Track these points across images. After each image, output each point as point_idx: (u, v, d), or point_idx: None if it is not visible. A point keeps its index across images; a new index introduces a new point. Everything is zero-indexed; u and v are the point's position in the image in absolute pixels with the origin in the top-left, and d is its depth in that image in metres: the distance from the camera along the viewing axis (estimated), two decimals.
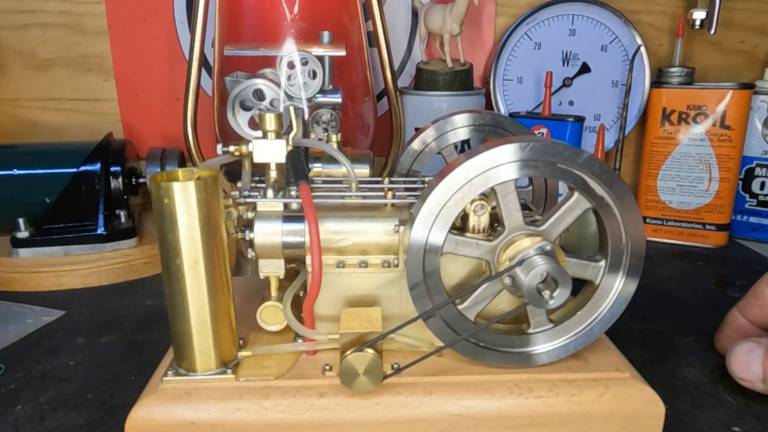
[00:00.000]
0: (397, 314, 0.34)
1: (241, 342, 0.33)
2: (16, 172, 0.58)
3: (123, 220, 0.59)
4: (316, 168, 0.45)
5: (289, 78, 0.50)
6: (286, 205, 0.34)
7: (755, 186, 0.69)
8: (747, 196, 0.70)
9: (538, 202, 0.46)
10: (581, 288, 0.34)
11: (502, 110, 0.73)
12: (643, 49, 0.69)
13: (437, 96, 0.67)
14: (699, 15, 0.68)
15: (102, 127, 0.72)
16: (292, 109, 0.39)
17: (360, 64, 0.64)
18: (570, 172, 0.30)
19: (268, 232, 0.33)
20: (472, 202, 0.31)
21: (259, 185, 0.37)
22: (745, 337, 0.39)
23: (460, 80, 0.67)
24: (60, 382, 0.39)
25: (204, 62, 0.63)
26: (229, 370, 0.31)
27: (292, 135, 0.37)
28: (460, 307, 0.32)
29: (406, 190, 0.38)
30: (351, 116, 0.64)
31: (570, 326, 0.33)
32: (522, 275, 0.30)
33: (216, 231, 0.29)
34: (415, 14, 0.73)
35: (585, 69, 0.72)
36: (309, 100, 0.51)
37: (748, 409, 0.36)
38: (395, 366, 0.31)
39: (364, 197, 0.36)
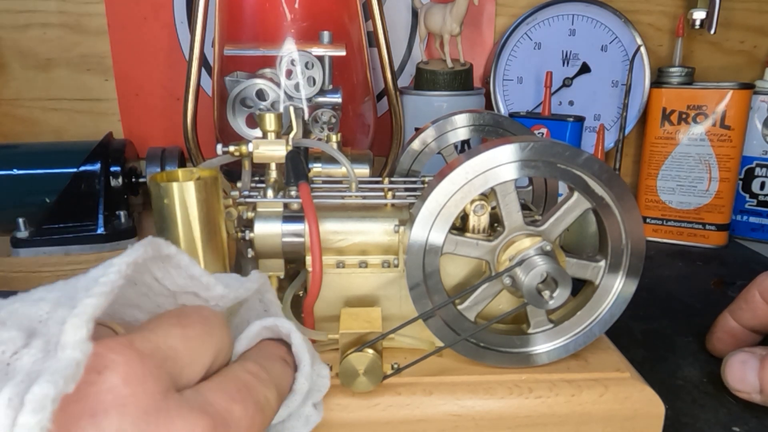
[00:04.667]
0: (397, 314, 0.34)
1: None
2: (16, 172, 0.58)
3: (123, 220, 0.59)
4: (316, 168, 0.45)
5: (289, 75, 0.50)
6: (286, 205, 0.34)
7: (755, 186, 0.69)
8: (747, 196, 0.70)
9: (538, 202, 0.46)
10: (581, 288, 0.34)
11: (502, 110, 0.73)
12: (643, 49, 0.69)
13: (437, 96, 0.67)
14: (699, 15, 0.68)
15: (102, 127, 0.72)
16: (292, 109, 0.39)
17: (360, 64, 0.64)
18: (570, 172, 0.30)
19: (268, 233, 0.33)
20: (472, 202, 0.31)
21: (259, 185, 0.37)
22: (736, 340, 0.39)
23: (460, 80, 0.67)
24: None
25: (204, 62, 0.63)
26: None
27: (292, 135, 0.37)
28: (460, 307, 0.32)
29: (406, 190, 0.38)
30: (351, 116, 0.64)
31: (570, 326, 0.33)
32: (522, 275, 0.30)
33: (216, 231, 0.29)
34: (415, 14, 0.73)
35: (585, 69, 0.72)
36: (309, 100, 0.51)
37: (748, 409, 0.36)
38: (395, 366, 0.31)
39: (364, 197, 0.36)
